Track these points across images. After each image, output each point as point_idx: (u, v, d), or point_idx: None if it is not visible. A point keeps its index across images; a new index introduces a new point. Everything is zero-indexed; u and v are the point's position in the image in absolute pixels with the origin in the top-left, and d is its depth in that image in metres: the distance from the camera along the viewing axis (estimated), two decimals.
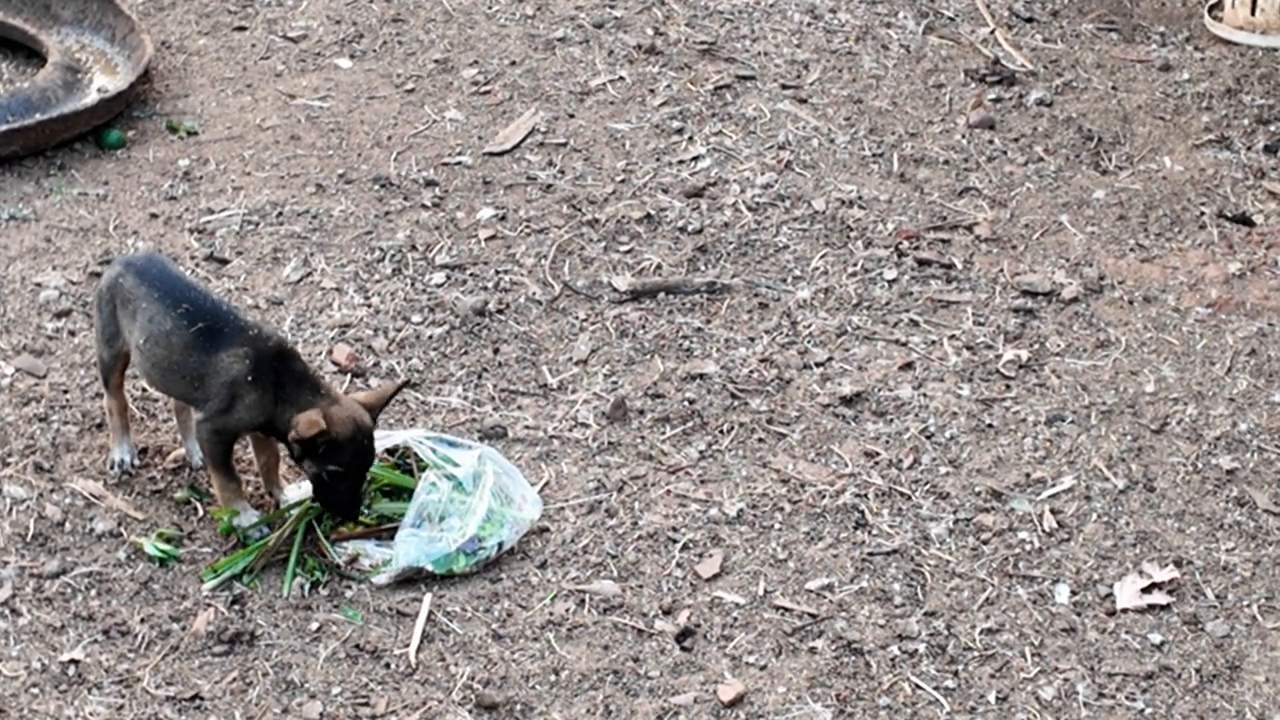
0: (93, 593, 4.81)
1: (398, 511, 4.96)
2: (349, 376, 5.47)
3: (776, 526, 5.08)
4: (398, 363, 5.54)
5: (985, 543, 5.02)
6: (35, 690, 4.56)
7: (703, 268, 5.94)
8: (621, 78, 6.74)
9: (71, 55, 6.63)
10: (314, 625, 4.76)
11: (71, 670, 4.60)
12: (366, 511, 4.98)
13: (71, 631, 4.70)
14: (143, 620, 4.74)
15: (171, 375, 4.85)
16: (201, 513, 5.03)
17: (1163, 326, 5.72)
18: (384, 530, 4.96)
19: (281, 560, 4.88)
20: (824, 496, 5.16)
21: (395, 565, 4.87)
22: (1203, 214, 6.16)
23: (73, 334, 5.58)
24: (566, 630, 4.78)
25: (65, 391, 5.38)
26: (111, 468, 5.12)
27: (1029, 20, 7.08)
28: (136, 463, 5.14)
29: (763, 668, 4.70)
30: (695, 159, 6.37)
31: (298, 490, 5.03)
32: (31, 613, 4.74)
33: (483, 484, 4.96)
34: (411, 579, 4.87)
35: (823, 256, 5.98)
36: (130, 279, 4.91)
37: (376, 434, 4.94)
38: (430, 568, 4.87)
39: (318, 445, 4.73)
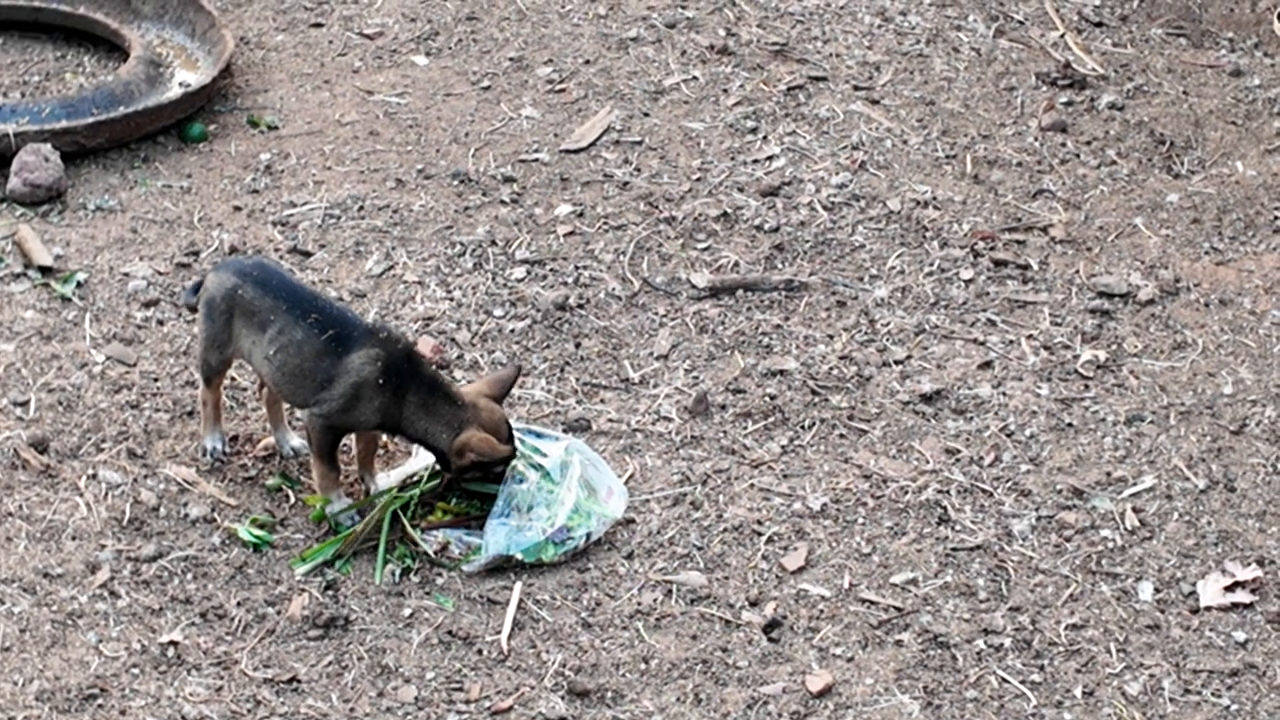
0: (189, 576, 4.88)
1: (487, 497, 5.01)
2: (434, 369, 5.53)
3: (860, 521, 5.13)
4: (481, 355, 5.60)
5: (1068, 540, 5.07)
6: (135, 670, 4.63)
7: (780, 266, 5.99)
8: (695, 77, 6.79)
9: (153, 50, 6.71)
10: (406, 611, 4.82)
11: (170, 651, 4.67)
12: (455, 501, 5.04)
13: (169, 614, 4.77)
14: (239, 604, 4.81)
15: (303, 382, 4.91)
16: (293, 500, 5.10)
17: (1239, 329, 5.76)
18: (472, 519, 5.02)
19: (372, 548, 4.94)
20: (906, 492, 5.21)
21: (485, 554, 4.93)
22: (1276, 218, 6.20)
23: (161, 323, 5.66)
24: (655, 620, 4.84)
25: (155, 379, 5.45)
26: (203, 455, 5.18)
27: (1098, 25, 7.13)
28: (228, 450, 5.20)
29: (850, 659, 4.75)
30: (770, 158, 6.43)
31: (388, 479, 5.10)
32: (130, 595, 4.81)
33: (570, 475, 5.02)
34: (500, 568, 4.94)
35: (899, 256, 6.03)
36: (251, 290, 4.96)
37: None
38: (520, 556, 4.93)
39: (488, 460, 4.85)
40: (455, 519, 5.03)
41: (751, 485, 5.22)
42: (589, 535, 4.99)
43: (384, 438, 5.16)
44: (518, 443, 5.08)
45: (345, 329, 4.89)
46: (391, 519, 4.96)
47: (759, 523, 5.11)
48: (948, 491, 5.21)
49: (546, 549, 4.94)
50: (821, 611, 4.87)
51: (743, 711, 4.62)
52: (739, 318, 5.79)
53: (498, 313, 5.77)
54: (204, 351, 5.09)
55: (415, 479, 5.05)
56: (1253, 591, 4.89)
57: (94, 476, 5.12)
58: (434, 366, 5.06)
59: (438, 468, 4.99)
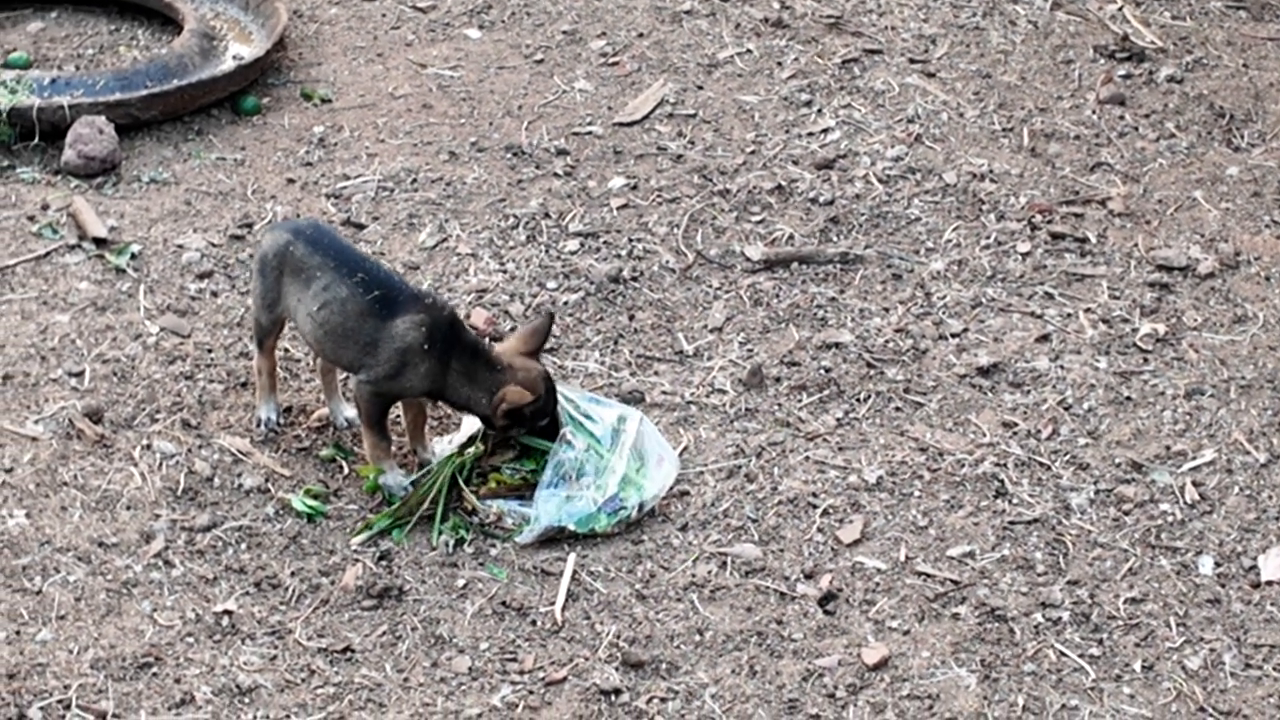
0: (243, 546, 4.87)
1: (543, 455, 4.98)
2: (487, 340, 5.51)
3: (916, 494, 5.09)
4: None
5: (1127, 514, 5.02)
6: (190, 639, 4.63)
7: (835, 239, 5.95)
8: (749, 50, 6.75)
9: (207, 23, 6.70)
10: (460, 582, 4.80)
11: (225, 621, 4.67)
12: (511, 472, 5.02)
13: (224, 583, 4.77)
14: (293, 574, 4.80)
15: (345, 342, 4.91)
16: (347, 470, 5.09)
17: None
18: (526, 490, 5.00)
19: (428, 517, 4.93)
20: (963, 465, 5.16)
21: (537, 525, 4.90)
22: None
23: (215, 295, 5.65)
24: (709, 592, 4.81)
25: (209, 351, 5.45)
26: (257, 425, 5.18)
27: None
28: (281, 421, 5.20)
29: (906, 632, 4.71)
30: (824, 131, 6.38)
31: (441, 447, 5.08)
32: (184, 564, 4.81)
33: (621, 443, 5.00)
34: (554, 539, 4.91)
35: (955, 229, 5.98)
36: (302, 248, 4.96)
37: None
38: (573, 527, 4.91)
39: (525, 413, 4.83)
40: (510, 489, 5.00)
41: (806, 458, 5.19)
42: (642, 505, 4.97)
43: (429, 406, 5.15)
44: (569, 410, 5.05)
45: (391, 292, 4.88)
46: (449, 482, 4.93)
47: (814, 495, 5.07)
48: (1005, 465, 5.16)
49: (599, 519, 4.92)
50: (877, 584, 4.84)
51: (798, 684, 4.59)
52: (794, 290, 5.75)
53: (551, 285, 5.75)
54: (255, 311, 5.09)
55: (469, 443, 5.03)
56: None
57: (148, 447, 5.12)
58: (476, 334, 5.06)
59: (487, 432, 4.99)
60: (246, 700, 4.50)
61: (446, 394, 4.90)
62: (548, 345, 5.46)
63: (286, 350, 5.41)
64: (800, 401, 5.37)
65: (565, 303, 5.68)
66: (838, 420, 5.31)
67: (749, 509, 5.03)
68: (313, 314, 4.94)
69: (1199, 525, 4.98)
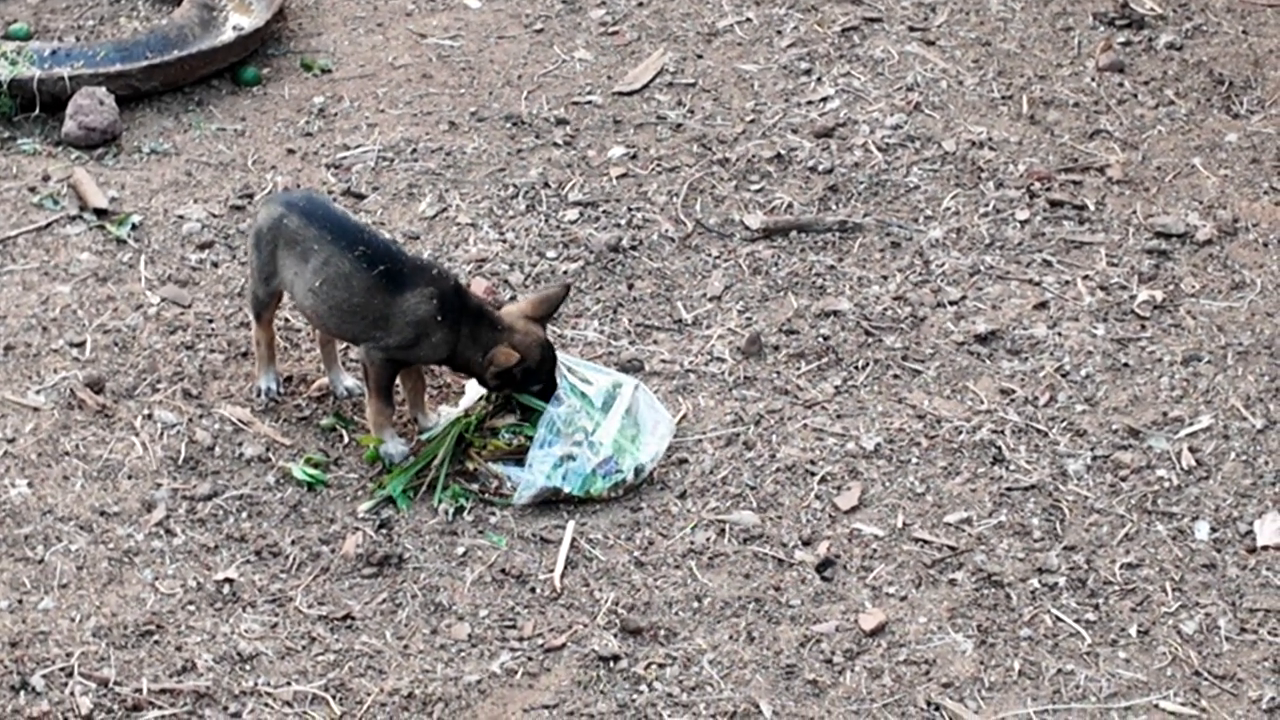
0: (244, 515, 4.90)
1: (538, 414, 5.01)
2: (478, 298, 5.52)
3: (914, 461, 5.11)
4: None
5: (1123, 479, 5.04)
6: (192, 607, 4.66)
7: (834, 207, 5.96)
8: (748, 19, 6.76)
9: None
10: (460, 550, 4.83)
11: (226, 589, 4.70)
12: (509, 437, 5.04)
13: (225, 552, 4.80)
14: (293, 542, 4.83)
15: (351, 317, 4.92)
16: (347, 439, 5.12)
17: None
18: (525, 453, 5.01)
19: (430, 485, 4.95)
20: (960, 432, 5.18)
21: (532, 485, 4.93)
22: None
23: (215, 265, 5.68)
24: (708, 559, 4.84)
25: (210, 321, 5.47)
26: (257, 395, 5.21)
27: None
28: (282, 390, 5.22)
29: (903, 598, 4.74)
30: (824, 100, 6.39)
31: (439, 416, 5.11)
32: (185, 533, 4.84)
33: (615, 407, 5.02)
34: (552, 504, 4.94)
35: (954, 197, 5.99)
36: (296, 219, 4.98)
37: None
38: (568, 489, 4.93)
39: (514, 374, 4.85)
40: (508, 453, 5.02)
41: (805, 425, 5.21)
42: (638, 470, 4.99)
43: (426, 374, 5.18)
44: (566, 374, 5.07)
45: (395, 264, 4.90)
46: (456, 441, 4.96)
47: (812, 463, 5.09)
48: (1002, 431, 5.18)
49: (595, 481, 4.94)
50: (875, 551, 4.86)
51: (795, 650, 4.62)
52: (792, 259, 5.77)
53: (550, 254, 5.76)
54: (252, 284, 5.12)
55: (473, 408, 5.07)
56: None
57: (149, 416, 5.15)
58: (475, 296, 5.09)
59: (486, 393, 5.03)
60: (247, 667, 4.53)
61: (454, 359, 4.94)
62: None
63: (286, 320, 5.43)
64: (799, 369, 5.39)
65: (564, 272, 5.70)
66: (836, 388, 5.33)
67: (747, 476, 5.06)
68: (314, 288, 4.95)
69: (1195, 491, 5.00)
